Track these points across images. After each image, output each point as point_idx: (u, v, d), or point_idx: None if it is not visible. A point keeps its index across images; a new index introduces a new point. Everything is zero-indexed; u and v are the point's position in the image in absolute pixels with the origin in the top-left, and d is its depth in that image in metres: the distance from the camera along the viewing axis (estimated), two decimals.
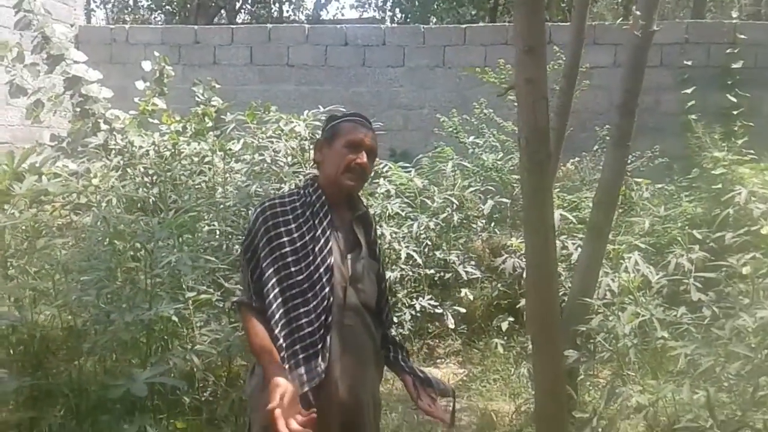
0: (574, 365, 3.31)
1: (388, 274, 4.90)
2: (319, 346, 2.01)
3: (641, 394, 3.02)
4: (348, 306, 2.11)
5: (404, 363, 2.28)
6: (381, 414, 2.25)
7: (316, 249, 2.06)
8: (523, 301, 4.82)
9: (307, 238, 2.07)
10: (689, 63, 7.61)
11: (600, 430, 3.08)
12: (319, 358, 2.00)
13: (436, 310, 4.96)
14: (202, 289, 3.47)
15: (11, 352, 3.21)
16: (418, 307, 4.90)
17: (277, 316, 2.01)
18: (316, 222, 2.10)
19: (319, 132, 2.35)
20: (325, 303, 2.03)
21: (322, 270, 2.05)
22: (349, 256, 2.14)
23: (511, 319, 4.93)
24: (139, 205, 5.11)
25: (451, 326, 4.95)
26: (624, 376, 3.23)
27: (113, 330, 3.11)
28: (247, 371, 2.38)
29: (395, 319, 4.90)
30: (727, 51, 7.51)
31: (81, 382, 3.14)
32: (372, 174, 2.43)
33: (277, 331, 2.00)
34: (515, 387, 4.22)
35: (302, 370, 1.98)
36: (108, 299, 3.42)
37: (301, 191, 2.19)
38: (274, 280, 2.03)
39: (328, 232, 2.09)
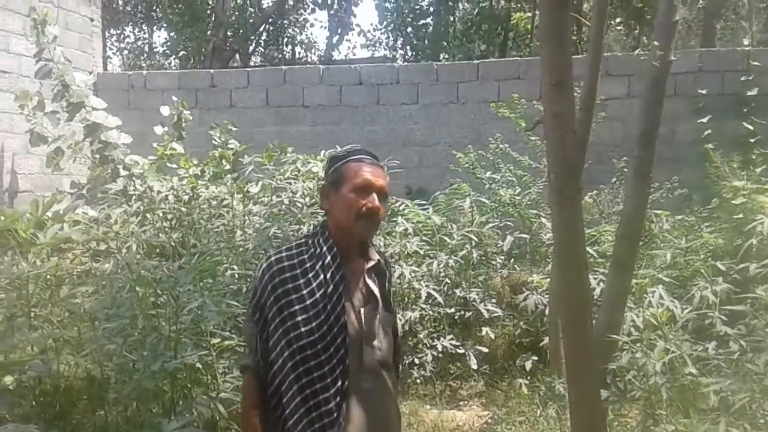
0: (603, 405, 3.24)
1: (408, 314, 4.87)
2: (335, 415, 1.86)
3: None
4: (365, 367, 1.96)
5: None
6: None
7: (329, 306, 1.91)
8: (546, 339, 4.76)
9: (317, 295, 1.92)
10: (704, 92, 7.60)
11: None
12: (336, 429, 1.86)
13: (458, 350, 4.90)
14: (225, 335, 3.46)
15: (35, 403, 3.19)
16: (439, 347, 4.84)
17: (287, 383, 1.88)
18: (328, 276, 1.94)
19: None
20: (341, 366, 1.89)
21: (335, 329, 1.90)
22: (362, 311, 1.99)
23: (535, 357, 4.85)
24: (158, 250, 5.14)
25: (474, 366, 4.89)
26: (656, 416, 3.16)
27: (137, 379, 3.10)
28: None
29: (416, 361, 4.85)
30: (742, 78, 7.50)
31: None
32: (387, 214, 2.27)
33: (287, 399, 1.87)
34: (542, 429, 4.13)
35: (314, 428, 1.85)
36: (132, 347, 3.42)
37: (310, 241, 2.02)
38: (283, 342, 1.89)
39: (340, 287, 1.94)
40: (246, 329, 2.05)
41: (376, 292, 2.03)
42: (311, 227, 4.72)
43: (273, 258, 1.99)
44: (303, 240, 2.06)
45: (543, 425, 4.16)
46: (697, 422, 3.05)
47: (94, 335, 3.41)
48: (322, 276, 1.94)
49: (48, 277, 4.08)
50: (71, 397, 3.39)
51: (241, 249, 4.88)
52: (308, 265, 1.96)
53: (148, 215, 5.61)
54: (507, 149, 6.50)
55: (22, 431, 2.52)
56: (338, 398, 1.88)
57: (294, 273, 1.95)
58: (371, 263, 2.05)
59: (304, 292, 1.92)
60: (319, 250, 1.98)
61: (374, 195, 1.97)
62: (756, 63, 7.51)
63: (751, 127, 7.33)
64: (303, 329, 1.89)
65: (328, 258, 1.96)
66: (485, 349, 4.99)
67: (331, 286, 1.93)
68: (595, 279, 4.71)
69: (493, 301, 5.23)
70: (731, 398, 2.94)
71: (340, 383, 1.89)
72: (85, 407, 3.44)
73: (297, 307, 1.91)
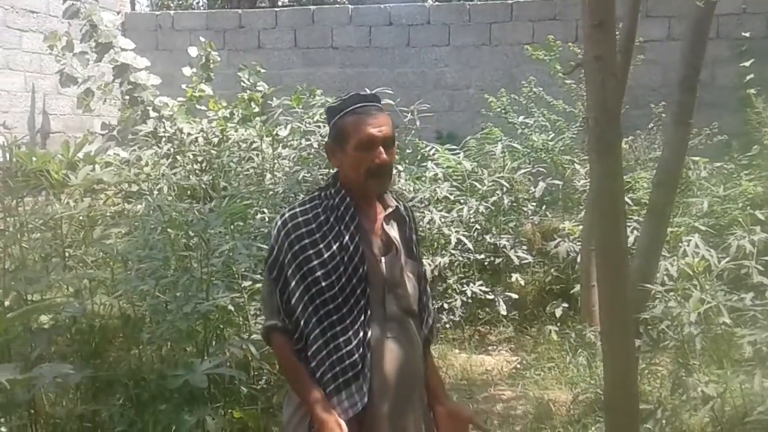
0: (635, 354, 3.22)
1: (438, 259, 4.85)
2: (360, 366, 1.84)
3: (708, 384, 2.93)
4: (389, 316, 1.93)
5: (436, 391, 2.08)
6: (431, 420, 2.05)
7: (346, 258, 1.87)
8: (577, 287, 4.72)
9: (334, 247, 1.88)
10: (747, 34, 7.30)
11: (664, 421, 2.99)
12: (361, 380, 1.84)
13: (487, 296, 4.89)
14: (256, 278, 3.47)
15: (72, 342, 3.25)
16: (469, 293, 4.84)
17: (312, 338, 1.86)
18: (342, 228, 1.89)
19: None
20: (363, 317, 1.86)
21: (355, 281, 1.87)
22: (383, 260, 1.94)
23: (565, 305, 4.82)
24: (189, 192, 5.16)
25: (503, 312, 4.89)
26: (689, 366, 3.12)
27: (171, 319, 3.13)
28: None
29: (446, 306, 4.86)
30: None
31: (140, 372, 3.17)
32: (396, 157, 2.08)
33: (312, 353, 1.86)
34: (572, 375, 4.13)
35: (343, 395, 1.84)
36: (165, 288, 3.45)
37: (323, 193, 1.97)
38: (306, 298, 1.86)
39: (357, 237, 1.89)
40: (265, 289, 2.00)
41: (397, 239, 1.98)
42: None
43: (287, 214, 1.95)
44: (316, 193, 2.01)
45: (572, 372, 4.16)
46: (731, 373, 3.01)
47: (128, 276, 3.44)
48: (337, 228, 1.90)
49: (81, 218, 4.11)
50: (106, 336, 3.45)
51: (270, 192, 4.87)
52: (323, 218, 1.92)
53: (178, 157, 5.62)
54: (541, 93, 6.35)
55: (58, 370, 2.57)
56: (361, 349, 1.85)
57: (310, 228, 1.91)
58: (389, 210, 1.99)
59: (321, 246, 1.89)
60: (332, 202, 1.93)
61: (380, 148, 1.88)
62: None
63: None
64: (324, 284, 1.86)
65: (342, 209, 1.91)
66: (515, 296, 4.97)
67: (347, 237, 1.89)
68: (629, 227, 4.64)
69: (524, 247, 5.20)
70: (767, 350, 2.89)
71: (362, 334, 1.86)
72: (120, 346, 3.50)
73: (315, 262, 1.87)
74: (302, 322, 1.87)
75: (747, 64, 7.20)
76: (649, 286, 3.45)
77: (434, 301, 4.71)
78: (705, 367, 3.31)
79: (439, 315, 4.83)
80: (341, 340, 1.85)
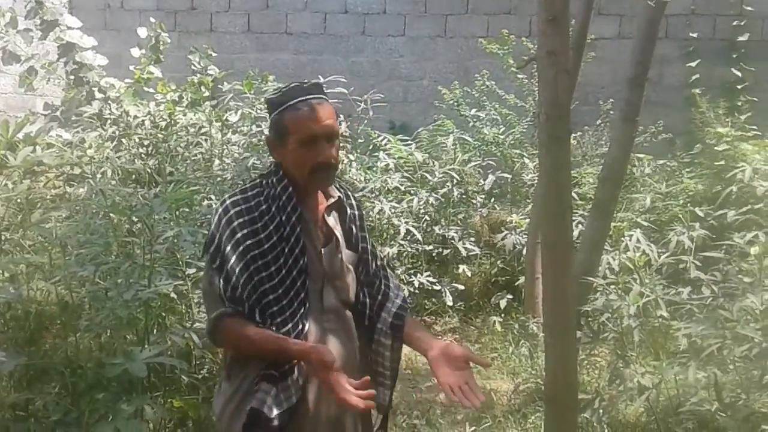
0: (576, 346, 3.28)
1: (387, 249, 4.85)
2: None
3: (644, 375, 3.00)
4: (327, 309, 1.91)
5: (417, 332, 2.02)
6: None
7: (286, 249, 1.84)
8: (522, 279, 4.79)
9: (275, 238, 1.84)
10: (695, 35, 7.48)
11: (601, 411, 3.06)
12: (296, 373, 1.81)
13: (434, 287, 4.92)
14: (200, 265, 3.41)
15: (6, 329, 3.15)
16: (416, 284, 4.86)
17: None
18: (284, 218, 1.85)
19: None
20: (302, 309, 1.84)
21: (294, 273, 1.84)
22: (323, 251, 1.92)
23: (510, 296, 4.89)
24: (134, 176, 5.04)
25: (449, 303, 4.93)
26: (626, 357, 3.20)
27: (111, 306, 3.06)
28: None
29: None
30: (734, 23, 7.37)
31: (77, 360, 3.09)
32: (340, 150, 1.99)
33: None
34: (514, 366, 4.20)
35: (278, 388, 1.79)
36: (105, 275, 3.37)
37: (264, 181, 1.91)
38: (249, 287, 1.81)
39: (298, 229, 1.85)
40: (206, 280, 1.92)
41: (337, 230, 1.96)
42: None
43: (228, 201, 1.89)
44: (258, 180, 1.95)
45: (515, 362, 4.23)
46: (667, 365, 3.10)
47: (66, 261, 3.34)
48: (278, 218, 1.85)
49: (19, 200, 3.98)
50: (43, 323, 3.36)
51: (219, 179, 4.80)
52: (264, 207, 1.87)
53: (123, 140, 5.49)
54: (493, 87, 6.39)
55: None
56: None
57: (251, 216, 1.86)
58: (331, 200, 1.96)
59: (262, 236, 1.84)
60: (274, 191, 1.88)
61: (323, 143, 1.84)
62: (749, 8, 7.37)
63: (739, 74, 7.25)
64: (264, 274, 1.82)
65: (284, 199, 1.86)
66: (461, 287, 5.02)
67: (288, 228, 1.85)
68: (575, 221, 4.72)
69: (472, 239, 5.24)
70: (701, 343, 2.98)
71: (300, 327, 1.82)
72: (57, 333, 3.41)
73: (256, 252, 1.83)
74: (248, 312, 1.82)
75: (693, 64, 7.38)
76: (591, 279, 3.52)
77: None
78: (642, 358, 3.41)
79: None
80: (280, 332, 1.81)
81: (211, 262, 1.87)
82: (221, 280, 1.83)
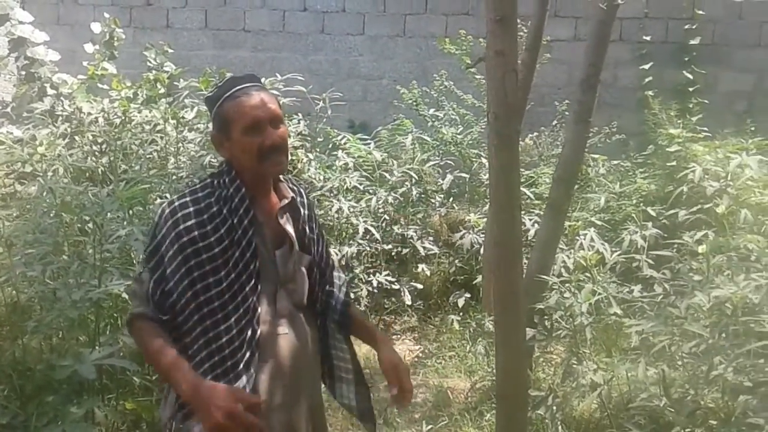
0: (530, 343, 3.32)
1: (345, 249, 4.84)
2: (241, 366, 1.75)
3: (596, 372, 3.06)
4: (279, 313, 1.86)
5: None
6: (325, 416, 2.05)
7: (238, 253, 1.77)
8: (480, 278, 4.83)
9: (226, 241, 1.77)
10: (648, 38, 7.63)
11: (555, 408, 3.11)
12: (244, 380, 1.75)
13: (393, 286, 4.93)
14: None
15: None
16: (375, 283, 4.86)
17: (191, 338, 1.76)
18: (236, 221, 1.78)
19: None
20: (249, 315, 1.77)
21: (244, 277, 1.78)
22: (277, 254, 1.87)
23: (468, 295, 4.93)
24: (87, 174, 4.94)
25: (408, 302, 4.94)
26: (579, 354, 3.26)
27: (60, 307, 2.99)
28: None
29: (351, 295, 4.85)
30: (686, 27, 7.55)
31: (25, 362, 3.01)
32: (289, 134, 1.96)
33: (191, 354, 1.75)
34: (471, 364, 4.23)
35: None
36: (54, 275, 3.29)
37: (216, 181, 1.84)
38: (189, 294, 1.75)
39: (250, 232, 1.79)
40: (138, 277, 1.86)
41: (291, 232, 1.90)
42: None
43: (177, 203, 1.81)
44: (209, 180, 1.87)
45: (471, 360, 4.27)
46: (618, 361, 3.17)
47: (14, 261, 3.25)
48: (230, 221, 1.79)
49: None
50: None
51: (174, 177, 4.73)
52: (215, 209, 1.80)
53: (76, 138, 5.36)
54: (451, 87, 6.43)
55: None
56: (244, 348, 1.77)
57: (201, 219, 1.78)
58: (284, 201, 1.90)
59: (212, 239, 1.77)
60: (226, 192, 1.81)
61: (268, 127, 1.79)
62: (701, 12, 7.55)
63: (690, 77, 7.43)
64: (211, 279, 1.76)
65: (236, 200, 1.80)
66: (420, 286, 5.04)
67: (240, 232, 1.79)
68: (530, 220, 4.79)
69: (431, 238, 5.26)
70: (652, 339, 3.05)
71: (250, 332, 1.77)
72: (5, 335, 3.32)
73: (204, 256, 1.76)
74: (181, 319, 1.76)
75: (647, 66, 7.53)
76: (545, 277, 3.57)
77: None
78: (595, 355, 3.47)
79: None
80: (224, 340, 1.76)
81: (146, 262, 1.82)
82: (152, 283, 1.78)
